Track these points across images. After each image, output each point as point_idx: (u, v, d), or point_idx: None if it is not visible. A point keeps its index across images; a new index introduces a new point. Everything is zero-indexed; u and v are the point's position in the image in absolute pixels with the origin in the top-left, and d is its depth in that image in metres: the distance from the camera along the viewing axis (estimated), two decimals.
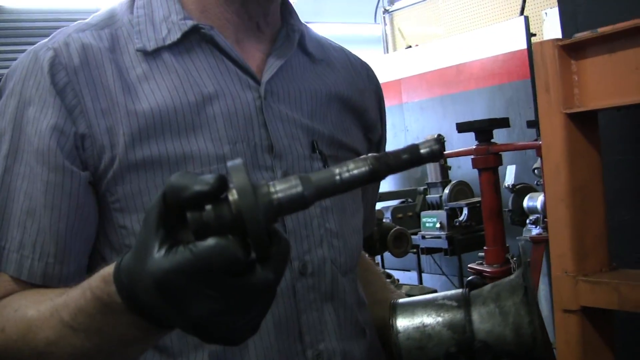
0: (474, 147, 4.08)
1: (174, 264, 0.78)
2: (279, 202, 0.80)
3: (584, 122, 1.94)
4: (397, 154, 0.85)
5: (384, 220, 5.12)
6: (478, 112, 6.42)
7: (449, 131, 5.84)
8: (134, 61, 1.21)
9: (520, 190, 4.95)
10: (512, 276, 1.24)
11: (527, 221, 4.86)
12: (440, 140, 0.84)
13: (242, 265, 0.78)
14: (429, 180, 6.38)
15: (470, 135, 4.30)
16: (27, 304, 1.08)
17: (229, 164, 0.80)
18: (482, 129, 4.09)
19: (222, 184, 0.78)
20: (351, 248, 1.35)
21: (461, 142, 4.51)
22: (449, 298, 1.26)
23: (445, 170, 6.40)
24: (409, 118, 7.79)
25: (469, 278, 1.34)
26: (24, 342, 1.03)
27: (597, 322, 1.97)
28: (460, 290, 1.27)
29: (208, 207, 0.79)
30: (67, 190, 1.15)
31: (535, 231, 4.72)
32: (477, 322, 1.21)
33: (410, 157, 0.85)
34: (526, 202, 4.81)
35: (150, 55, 1.22)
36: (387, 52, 9.13)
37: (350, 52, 1.53)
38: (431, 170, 6.41)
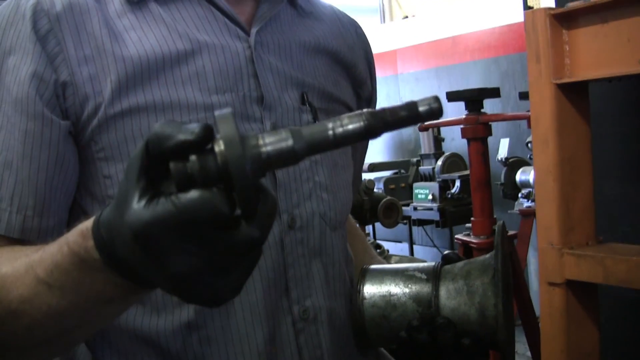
0: (464, 116, 4.05)
1: (154, 215, 0.73)
2: (267, 155, 0.75)
3: (574, 92, 1.92)
4: (394, 110, 0.79)
5: (375, 191, 5.11)
6: (473, 85, 6.39)
7: (442, 103, 5.80)
8: (119, 11, 1.18)
9: (513, 163, 4.94)
10: (485, 256, 1.23)
11: (519, 195, 4.86)
12: (438, 98, 0.79)
13: (226, 220, 0.73)
14: (422, 152, 6.38)
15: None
16: (1, 260, 1.04)
17: (217, 113, 0.75)
18: (472, 99, 4.05)
19: (208, 134, 0.74)
20: (341, 203, 1.33)
21: (455, 114, 4.49)
22: (420, 270, 1.24)
23: (438, 142, 6.39)
24: (404, 89, 7.77)
25: (445, 252, 1.32)
26: None
27: (582, 296, 1.97)
28: (432, 264, 1.26)
29: (192, 157, 0.74)
30: (46, 140, 1.12)
31: (527, 205, 4.72)
32: (444, 297, 1.20)
33: (408, 114, 0.79)
34: (519, 176, 4.80)
35: (136, 5, 1.19)
36: (384, 22, 9.09)
37: (339, 10, 1.52)
38: (424, 142, 6.40)
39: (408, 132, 7.65)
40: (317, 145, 0.77)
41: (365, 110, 0.78)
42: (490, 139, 4.14)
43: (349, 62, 1.42)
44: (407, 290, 1.23)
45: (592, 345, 2.01)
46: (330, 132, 0.77)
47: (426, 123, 4.88)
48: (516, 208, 4.91)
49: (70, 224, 1.18)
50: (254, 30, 1.25)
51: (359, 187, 1.79)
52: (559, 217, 1.93)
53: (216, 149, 0.74)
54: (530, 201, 4.68)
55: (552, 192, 1.92)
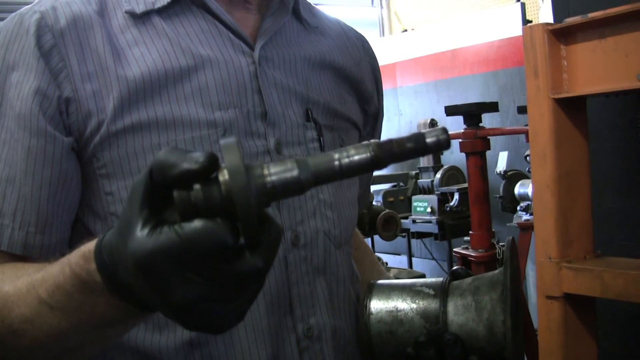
0: (462, 130, 4.07)
1: (157, 244, 0.73)
2: (272, 185, 0.74)
3: (572, 107, 1.93)
4: (401, 141, 0.77)
5: (374, 204, 5.12)
6: (472, 98, 6.41)
7: (442, 116, 5.83)
8: (122, 26, 1.18)
9: (512, 176, 4.95)
10: (494, 272, 1.22)
11: (518, 208, 4.86)
12: (446, 130, 0.78)
13: (230, 251, 0.73)
14: (421, 165, 6.38)
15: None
16: (3, 278, 1.04)
17: (222, 142, 0.74)
18: (470, 113, 4.08)
19: (212, 163, 0.73)
20: (346, 220, 1.32)
21: (454, 128, 4.51)
22: (428, 286, 1.24)
23: (437, 155, 6.40)
24: (403, 102, 7.79)
25: (454, 268, 1.31)
26: None
27: (580, 309, 1.97)
28: (441, 279, 1.25)
29: (197, 186, 0.73)
30: (49, 156, 1.12)
31: (525, 218, 4.73)
32: (452, 313, 1.19)
33: (415, 146, 0.78)
34: (517, 189, 4.81)
35: (140, 19, 1.19)
36: (383, 36, 9.10)
37: (345, 24, 1.50)
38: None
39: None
40: (323, 176, 0.76)
41: (372, 141, 0.78)
42: (489, 153, 4.16)
43: (355, 77, 1.41)
44: (414, 305, 1.22)
45: (590, 359, 2.01)
46: (337, 163, 0.76)
47: None
48: (514, 221, 4.91)
49: (72, 240, 1.19)
50: (258, 45, 1.24)
51: (367, 202, 1.79)
52: (557, 231, 1.93)
53: (221, 178, 0.73)
54: (528, 214, 4.69)
55: (550, 206, 1.93)
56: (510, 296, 1.13)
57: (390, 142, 0.77)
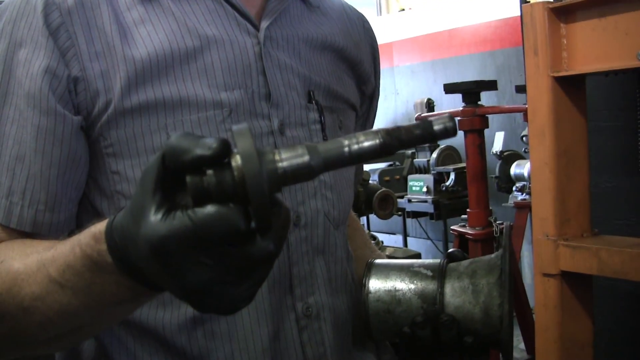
0: (461, 108, 4.07)
1: (171, 229, 0.73)
2: (284, 170, 0.75)
3: (571, 86, 1.93)
4: (409, 128, 0.78)
5: (370, 182, 5.12)
6: (469, 78, 6.37)
7: (438, 96, 5.85)
8: (128, 4, 1.17)
9: (508, 157, 4.96)
10: (492, 255, 1.23)
11: (514, 188, 4.88)
12: (452, 117, 0.79)
13: (243, 235, 0.74)
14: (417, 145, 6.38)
15: (460, 101, 4.29)
16: (13, 255, 1.04)
17: (234, 128, 0.74)
18: (469, 91, 4.08)
19: (225, 149, 0.74)
20: (344, 201, 1.33)
21: (452, 107, 4.52)
22: (426, 267, 1.25)
23: None
24: (400, 81, 7.78)
25: (450, 250, 1.32)
26: (9, 296, 1.00)
27: (576, 287, 1.99)
28: (438, 261, 1.26)
29: (209, 171, 0.74)
30: (58, 136, 1.12)
31: (521, 198, 4.74)
32: (449, 295, 1.20)
33: (423, 133, 0.78)
34: (513, 169, 4.82)
35: None
36: (380, 15, 9.08)
37: (347, 4, 1.50)
38: None
39: (403, 124, 7.64)
40: (333, 162, 0.77)
41: (381, 128, 0.78)
42: (485, 132, 4.16)
43: (355, 59, 1.42)
44: (412, 286, 1.23)
45: (586, 336, 2.03)
46: (346, 149, 0.77)
47: (423, 115, 4.90)
48: (510, 201, 4.93)
49: (79, 216, 1.20)
50: (263, 25, 1.24)
51: (360, 181, 1.79)
52: (555, 208, 1.94)
53: (233, 163, 0.74)
54: (524, 194, 4.70)
55: (548, 184, 1.94)
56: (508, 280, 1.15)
57: (398, 129, 0.78)
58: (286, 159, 0.75)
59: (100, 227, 0.87)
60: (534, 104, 1.96)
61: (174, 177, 0.76)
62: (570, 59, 1.90)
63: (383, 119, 7.66)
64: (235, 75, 1.19)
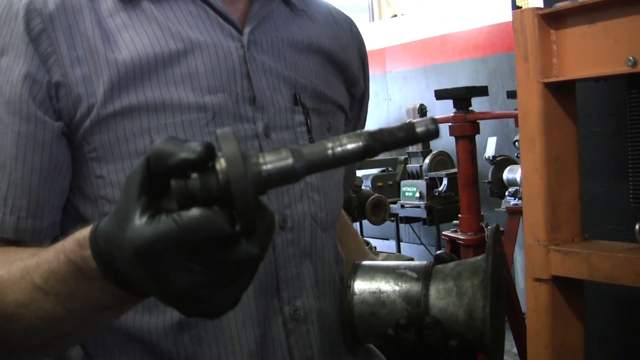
0: (452, 114, 4.08)
1: (156, 233, 0.74)
2: (268, 173, 0.76)
3: (561, 92, 1.94)
4: (392, 131, 0.80)
5: (362, 188, 5.13)
6: (461, 84, 6.39)
7: (431, 101, 5.84)
8: (112, 10, 1.18)
9: (501, 162, 4.97)
10: (477, 257, 1.22)
11: (506, 193, 4.88)
12: (435, 120, 0.80)
13: (228, 239, 0.74)
14: (410, 150, 6.39)
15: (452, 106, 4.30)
16: None
17: (219, 132, 0.75)
18: (460, 97, 4.09)
19: (209, 152, 0.75)
20: (332, 203, 1.33)
21: (443, 112, 4.52)
22: (411, 269, 1.24)
23: None
24: (392, 87, 7.79)
25: (438, 252, 1.32)
26: None
27: (567, 292, 1.99)
28: (424, 263, 1.26)
29: (194, 175, 0.74)
30: (39, 142, 1.12)
31: (513, 203, 4.75)
32: (433, 297, 1.20)
33: (406, 135, 0.80)
34: (506, 174, 4.83)
35: (129, 3, 1.19)
36: (373, 21, 9.10)
37: (334, 7, 1.51)
38: None
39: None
40: (317, 164, 0.78)
41: (364, 130, 0.79)
42: (478, 138, 4.18)
43: (343, 61, 1.42)
44: (397, 288, 1.23)
45: (577, 341, 2.03)
46: (330, 152, 0.78)
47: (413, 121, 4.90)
48: (503, 206, 4.93)
49: (63, 223, 1.20)
50: (247, 30, 1.24)
51: (352, 184, 1.79)
52: (546, 214, 1.95)
53: (218, 167, 0.74)
54: (517, 199, 4.71)
55: (539, 190, 1.95)
56: (491, 283, 1.14)
57: (381, 131, 0.80)
58: (270, 162, 0.76)
59: (84, 232, 0.87)
60: (524, 109, 1.96)
61: (159, 182, 0.77)
62: (561, 65, 1.91)
63: (375, 124, 7.59)
64: (220, 78, 1.20)
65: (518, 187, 4.63)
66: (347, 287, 1.26)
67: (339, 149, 0.78)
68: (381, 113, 7.78)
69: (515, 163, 4.85)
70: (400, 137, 0.80)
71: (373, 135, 0.79)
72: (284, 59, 1.29)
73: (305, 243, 1.27)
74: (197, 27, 1.21)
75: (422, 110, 6.38)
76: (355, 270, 1.28)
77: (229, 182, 0.73)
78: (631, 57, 1.72)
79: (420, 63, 7.47)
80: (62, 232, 1.19)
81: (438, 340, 1.17)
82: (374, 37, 7.75)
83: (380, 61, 7.81)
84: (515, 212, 4.65)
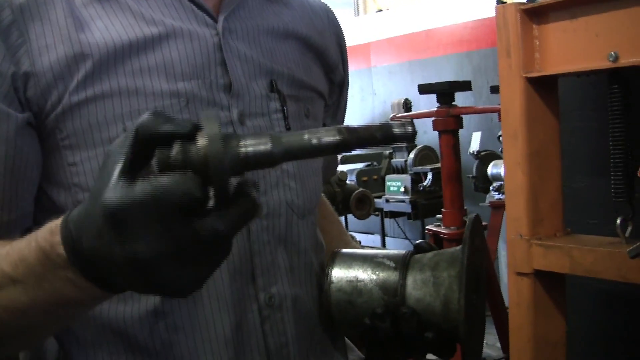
0: (435, 109, 4.09)
1: (129, 193, 0.75)
2: (245, 155, 0.79)
3: (543, 87, 1.95)
4: (369, 128, 0.83)
5: (347, 183, 5.13)
6: (446, 79, 6.39)
7: (416, 96, 5.86)
8: (85, 1, 1.18)
9: (485, 157, 4.99)
10: (456, 248, 1.22)
11: (491, 188, 4.90)
12: (412, 122, 0.83)
13: (197, 204, 0.76)
14: (395, 145, 6.40)
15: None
16: None
17: (203, 114, 0.79)
18: (443, 92, 4.10)
19: (195, 129, 0.78)
20: (309, 191, 1.33)
21: (427, 107, 4.54)
22: (389, 258, 1.24)
23: None
24: (377, 82, 7.80)
25: (417, 242, 1.32)
26: None
27: (550, 286, 2.00)
28: (403, 252, 1.26)
29: (177, 146, 0.78)
30: (2, 134, 1.12)
31: (497, 197, 4.77)
32: (410, 287, 1.19)
33: (383, 135, 0.83)
34: (490, 169, 4.85)
35: None
36: (358, 15, 9.10)
37: None
38: None
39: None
40: (294, 152, 0.81)
41: (343, 125, 0.82)
42: (462, 133, 4.19)
43: (320, 47, 1.42)
44: (374, 277, 1.22)
45: (559, 335, 2.05)
46: (307, 141, 0.81)
47: (398, 115, 4.91)
48: (487, 201, 4.95)
49: (37, 213, 1.20)
50: (221, 17, 1.25)
51: (333, 173, 1.79)
52: (528, 208, 1.96)
53: (199, 143, 0.77)
54: (501, 194, 4.73)
55: (521, 185, 1.95)
56: (468, 274, 1.13)
57: (359, 128, 0.83)
58: (250, 145, 0.79)
59: (57, 221, 0.87)
60: (506, 104, 1.97)
61: (142, 152, 0.78)
62: (543, 60, 1.91)
63: (360, 118, 7.67)
64: (194, 65, 1.20)
65: (502, 182, 4.65)
66: (324, 275, 1.26)
67: (315, 140, 0.81)
68: (366, 107, 7.79)
69: (499, 158, 4.86)
70: (378, 136, 0.83)
71: (351, 130, 0.82)
72: (260, 46, 1.30)
73: (281, 230, 1.27)
74: (171, 15, 1.22)
75: (406, 105, 6.40)
76: (334, 258, 1.28)
77: (207, 156, 0.76)
78: (612, 52, 1.73)
79: (405, 58, 7.48)
80: (36, 222, 1.19)
81: (414, 330, 1.17)
82: (359, 31, 7.76)
83: (365, 56, 7.82)
84: (498, 207, 4.67)
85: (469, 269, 1.14)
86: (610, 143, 1.91)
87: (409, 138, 0.84)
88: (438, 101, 4.13)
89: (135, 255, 0.77)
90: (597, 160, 2.26)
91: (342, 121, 1.62)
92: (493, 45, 6.10)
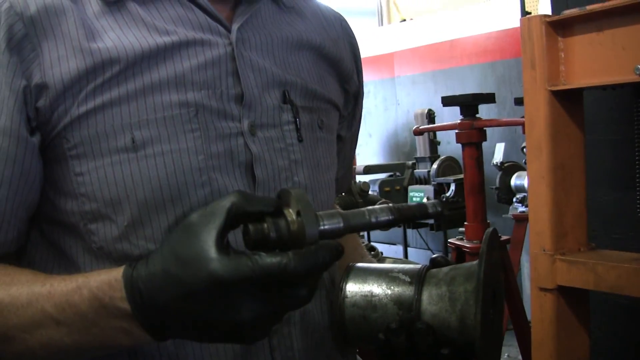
0: (458, 121, 4.07)
1: (241, 268, 0.88)
2: (324, 230, 0.98)
3: (568, 99, 1.93)
4: (411, 209, 1.10)
5: (370, 193, 5.12)
6: (469, 89, 6.42)
7: (439, 106, 5.85)
8: (97, 13, 1.18)
9: (508, 168, 4.96)
10: (472, 262, 1.20)
11: (514, 199, 4.87)
12: (441, 203, 1.13)
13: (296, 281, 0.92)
14: (418, 155, 6.39)
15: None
16: None
17: (293, 192, 0.96)
18: (466, 104, 4.08)
19: (279, 206, 0.96)
20: (321, 204, 1.33)
21: (451, 118, 4.51)
22: (405, 272, 1.22)
23: (434, 145, 6.40)
24: (401, 92, 7.78)
25: (433, 256, 1.30)
26: None
27: (573, 302, 1.98)
28: (419, 266, 1.24)
29: (268, 223, 0.94)
30: (11, 156, 1.13)
31: (521, 209, 4.74)
32: (426, 302, 1.17)
33: (420, 213, 1.10)
34: (513, 181, 4.83)
35: (114, 5, 1.19)
36: (382, 25, 9.10)
37: (323, 4, 1.51)
38: (420, 145, 6.41)
39: (404, 135, 7.65)
40: (357, 228, 1.04)
41: (392, 205, 1.06)
42: (486, 144, 4.16)
43: (334, 56, 1.41)
44: (389, 291, 1.20)
45: (583, 352, 2.02)
46: (367, 221, 1.05)
47: (421, 127, 4.90)
48: (510, 213, 4.92)
49: (43, 223, 1.21)
50: (235, 27, 1.24)
51: (349, 182, 1.78)
52: (552, 223, 1.93)
53: (288, 217, 0.95)
54: (524, 206, 4.70)
55: (544, 198, 1.93)
56: (485, 289, 1.11)
57: (403, 209, 1.08)
58: (327, 224, 0.99)
59: (116, 274, 0.97)
60: (531, 117, 1.95)
61: (229, 227, 0.93)
62: (568, 72, 1.89)
63: (384, 128, 7.66)
64: (205, 75, 1.20)
65: (525, 194, 4.62)
66: (339, 290, 1.25)
67: (374, 219, 1.05)
68: (389, 117, 7.78)
69: (523, 169, 4.84)
70: (416, 213, 1.11)
71: (399, 210, 1.07)
72: (273, 56, 1.29)
73: None
74: (184, 26, 1.21)
75: (430, 116, 6.38)
76: (348, 272, 1.27)
77: (304, 231, 0.93)
78: (639, 66, 1.70)
79: (429, 68, 7.46)
80: (41, 231, 1.22)
81: (429, 346, 1.15)
82: (383, 41, 7.75)
83: (389, 65, 7.81)
84: (521, 220, 4.64)
85: (486, 284, 1.12)
86: (636, 156, 1.88)
87: (439, 215, 1.14)
88: (462, 113, 4.11)
89: (237, 319, 0.92)
90: (623, 174, 2.23)
91: (357, 132, 1.61)
92: (517, 55, 6.08)
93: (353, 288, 1.24)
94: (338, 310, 1.24)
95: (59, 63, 1.13)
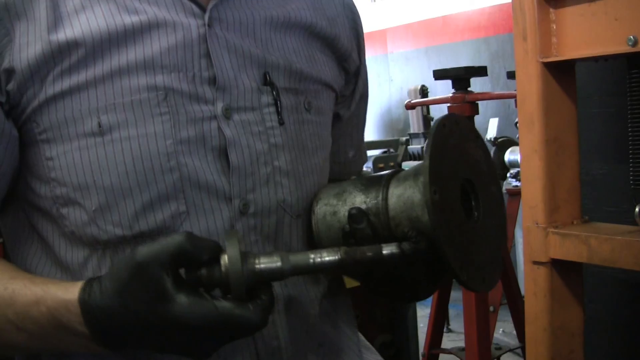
0: (450, 95, 4.04)
1: (202, 312, 0.97)
2: (260, 270, 1.03)
3: (560, 72, 1.91)
4: (363, 250, 1.05)
5: (364, 169, 5.11)
6: (463, 64, 6.37)
7: (432, 82, 5.83)
8: None
9: (502, 143, 4.94)
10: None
11: (508, 175, 4.86)
12: (401, 245, 1.04)
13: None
14: (411, 131, 6.37)
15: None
16: None
17: (226, 234, 1.05)
18: (459, 77, 4.05)
19: (217, 252, 1.02)
20: (306, 189, 1.27)
21: (443, 93, 4.50)
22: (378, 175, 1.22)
23: (427, 120, 6.39)
24: (394, 68, 7.77)
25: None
26: None
27: (566, 275, 1.97)
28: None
29: (203, 270, 1.02)
30: None
31: (514, 184, 4.73)
32: (393, 186, 1.16)
33: (374, 256, 1.04)
34: (507, 156, 4.81)
35: None
36: (374, 1, 9.05)
37: None
38: (413, 121, 6.40)
39: (397, 111, 7.64)
40: (300, 269, 1.05)
41: (341, 247, 1.06)
42: (479, 119, 4.14)
43: (329, 34, 1.36)
44: (360, 186, 1.20)
45: (577, 325, 2.02)
46: (311, 261, 1.05)
47: (413, 101, 4.88)
48: (504, 187, 4.91)
49: (24, 204, 1.22)
50: (210, 6, 1.20)
51: (362, 163, 1.73)
52: (544, 196, 1.93)
53: (222, 262, 1.01)
54: (518, 181, 4.69)
55: (537, 172, 1.92)
56: (433, 166, 1.06)
57: (355, 250, 1.06)
58: (263, 262, 1.03)
59: (71, 298, 1.01)
60: (523, 90, 1.94)
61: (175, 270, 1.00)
62: (560, 44, 1.88)
63: (378, 105, 7.65)
64: (175, 57, 1.16)
65: (519, 169, 4.61)
66: (315, 201, 1.26)
67: (319, 259, 1.05)
68: (383, 94, 7.76)
69: (516, 144, 4.82)
70: (369, 257, 1.04)
71: (348, 252, 1.04)
72: (253, 36, 1.24)
73: (270, 229, 1.23)
74: (157, 4, 1.18)
75: (423, 91, 6.36)
76: (327, 185, 1.30)
77: (229, 276, 0.99)
78: (632, 37, 1.69)
79: (422, 44, 7.45)
80: (24, 211, 1.23)
81: (386, 227, 1.13)
82: (376, 17, 7.72)
83: (382, 42, 7.78)
84: (515, 194, 4.63)
85: (443, 156, 1.10)
86: (629, 129, 1.87)
87: (398, 259, 1.03)
88: (454, 87, 4.08)
89: (194, 350, 1.02)
90: (616, 147, 2.23)
91: (363, 112, 1.56)
92: (510, 30, 6.05)
93: (327, 191, 1.27)
94: (312, 215, 1.24)
95: (27, 47, 1.11)
